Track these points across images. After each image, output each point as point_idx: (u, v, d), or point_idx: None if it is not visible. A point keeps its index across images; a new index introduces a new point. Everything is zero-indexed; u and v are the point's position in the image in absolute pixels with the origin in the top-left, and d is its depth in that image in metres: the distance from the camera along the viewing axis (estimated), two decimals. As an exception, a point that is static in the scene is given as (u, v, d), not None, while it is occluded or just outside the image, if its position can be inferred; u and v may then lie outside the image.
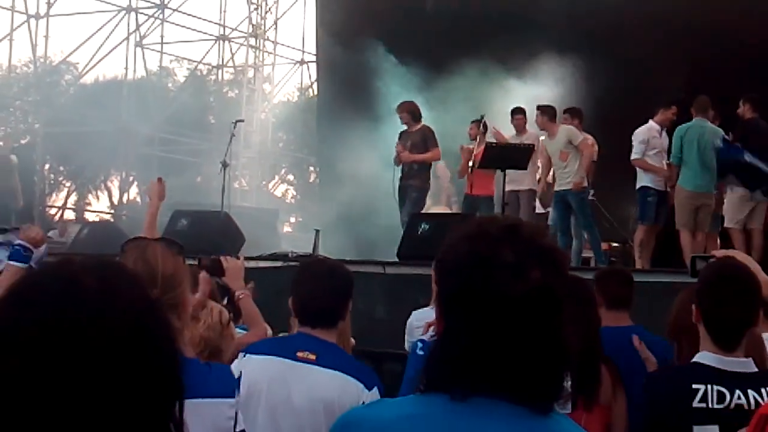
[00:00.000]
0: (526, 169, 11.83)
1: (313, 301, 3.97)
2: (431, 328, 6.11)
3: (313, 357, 3.84)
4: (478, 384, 1.72)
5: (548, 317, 1.72)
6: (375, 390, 3.84)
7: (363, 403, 3.67)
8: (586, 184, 11.73)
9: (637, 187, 11.35)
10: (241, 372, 3.80)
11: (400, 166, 12.32)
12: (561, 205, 11.79)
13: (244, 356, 3.92)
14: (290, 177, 35.25)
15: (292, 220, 31.28)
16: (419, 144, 12.23)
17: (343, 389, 3.80)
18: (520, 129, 12.60)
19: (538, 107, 12.10)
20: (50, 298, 1.33)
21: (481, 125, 12.51)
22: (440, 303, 1.83)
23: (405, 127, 12.46)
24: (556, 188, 11.93)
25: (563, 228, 11.67)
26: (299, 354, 3.84)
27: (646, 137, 11.20)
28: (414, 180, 12.27)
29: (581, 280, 4.53)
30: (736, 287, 3.27)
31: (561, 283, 1.76)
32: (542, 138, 12.38)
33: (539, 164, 12.70)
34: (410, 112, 12.42)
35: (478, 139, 12.39)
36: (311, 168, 30.94)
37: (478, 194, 12.43)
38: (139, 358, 1.34)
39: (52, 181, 31.44)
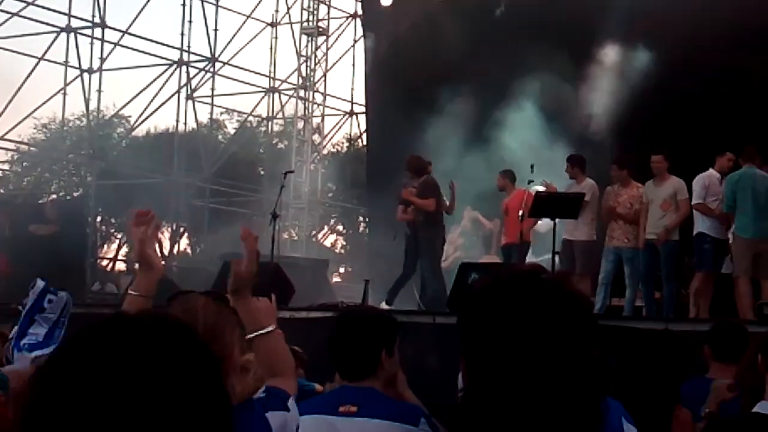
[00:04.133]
0: (576, 218, 11.74)
1: (347, 353, 3.95)
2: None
3: (354, 409, 3.79)
4: None
5: (572, 364, 1.67)
6: (423, 423, 3.77)
7: None
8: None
9: (694, 233, 11.21)
10: None
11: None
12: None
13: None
14: (339, 227, 35.33)
15: (342, 270, 31.28)
16: (419, 195, 12.32)
17: None
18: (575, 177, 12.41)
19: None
20: (104, 357, 1.29)
21: (507, 176, 12.77)
22: (463, 356, 1.79)
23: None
24: None
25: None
26: (341, 408, 3.80)
27: (707, 183, 11.10)
28: (422, 231, 12.30)
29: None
30: None
31: (582, 328, 1.70)
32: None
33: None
34: (411, 169, 12.59)
35: (507, 190, 12.72)
36: (360, 218, 31.00)
37: (511, 242, 12.43)
38: (195, 414, 1.30)
39: (103, 233, 31.75)
